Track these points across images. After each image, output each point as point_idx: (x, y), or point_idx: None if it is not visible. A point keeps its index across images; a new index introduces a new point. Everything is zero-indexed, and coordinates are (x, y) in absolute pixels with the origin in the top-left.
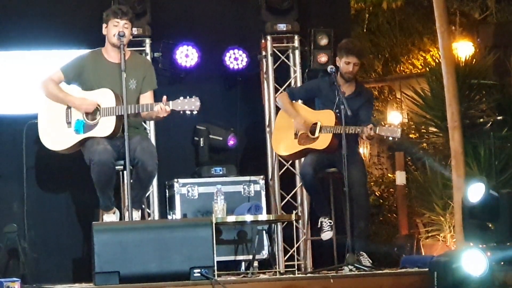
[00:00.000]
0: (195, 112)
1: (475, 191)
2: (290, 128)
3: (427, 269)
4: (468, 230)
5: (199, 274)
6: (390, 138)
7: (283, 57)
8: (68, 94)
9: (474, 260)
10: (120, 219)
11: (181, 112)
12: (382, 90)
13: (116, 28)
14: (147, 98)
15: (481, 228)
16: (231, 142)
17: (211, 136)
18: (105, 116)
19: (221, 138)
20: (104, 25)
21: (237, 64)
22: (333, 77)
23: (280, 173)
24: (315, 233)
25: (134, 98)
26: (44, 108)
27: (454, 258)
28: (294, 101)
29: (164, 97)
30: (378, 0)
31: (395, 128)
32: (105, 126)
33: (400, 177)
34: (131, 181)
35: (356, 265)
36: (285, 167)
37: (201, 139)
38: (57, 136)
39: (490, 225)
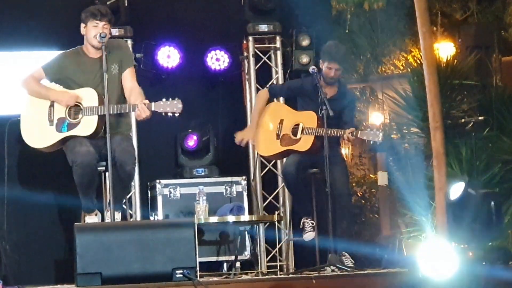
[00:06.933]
0: (177, 114)
1: (455, 189)
2: (272, 128)
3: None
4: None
5: (181, 275)
6: (372, 142)
7: (264, 58)
8: (49, 89)
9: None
10: (102, 220)
11: (163, 113)
12: (363, 91)
13: (96, 30)
14: (127, 77)
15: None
16: (189, 143)
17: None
18: (87, 115)
19: (181, 140)
20: (82, 25)
21: (219, 65)
22: (315, 78)
23: (262, 174)
24: (297, 233)
25: (118, 82)
26: (26, 106)
27: None
28: (276, 100)
29: (146, 101)
30: (360, 0)
31: (377, 132)
32: (87, 125)
33: (382, 178)
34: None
35: (338, 265)
36: (267, 168)
37: (177, 140)
38: (38, 134)
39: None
